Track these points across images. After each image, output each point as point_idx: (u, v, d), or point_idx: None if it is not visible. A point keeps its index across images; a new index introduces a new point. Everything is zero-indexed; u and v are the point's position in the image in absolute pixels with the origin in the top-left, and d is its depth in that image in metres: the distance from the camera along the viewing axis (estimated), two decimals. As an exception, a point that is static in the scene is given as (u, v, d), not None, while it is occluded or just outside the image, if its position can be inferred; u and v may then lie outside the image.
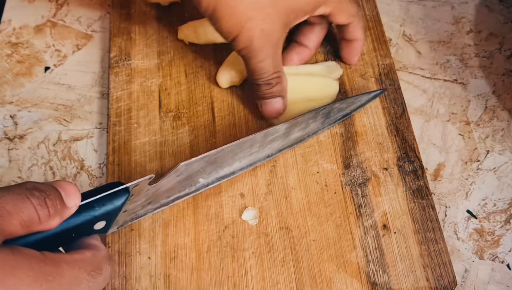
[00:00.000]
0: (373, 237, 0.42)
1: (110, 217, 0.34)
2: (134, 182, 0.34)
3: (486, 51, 0.53)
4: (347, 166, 0.45)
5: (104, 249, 0.32)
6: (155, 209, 0.39)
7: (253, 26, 0.41)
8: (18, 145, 0.50)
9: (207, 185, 0.42)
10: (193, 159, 0.37)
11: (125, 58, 0.51)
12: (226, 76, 0.48)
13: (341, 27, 0.47)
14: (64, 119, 0.51)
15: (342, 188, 0.44)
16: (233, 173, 0.43)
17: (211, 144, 0.47)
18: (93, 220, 0.33)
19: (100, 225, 0.34)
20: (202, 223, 0.43)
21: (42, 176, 0.48)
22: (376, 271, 0.41)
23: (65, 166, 0.48)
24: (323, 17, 0.45)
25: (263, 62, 0.42)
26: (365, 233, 0.42)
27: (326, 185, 0.44)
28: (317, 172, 0.45)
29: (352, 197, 0.44)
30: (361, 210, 0.43)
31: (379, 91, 0.47)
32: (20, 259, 0.26)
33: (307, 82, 0.47)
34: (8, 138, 0.50)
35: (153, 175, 0.35)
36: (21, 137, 0.50)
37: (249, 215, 0.43)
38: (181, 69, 0.51)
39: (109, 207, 0.33)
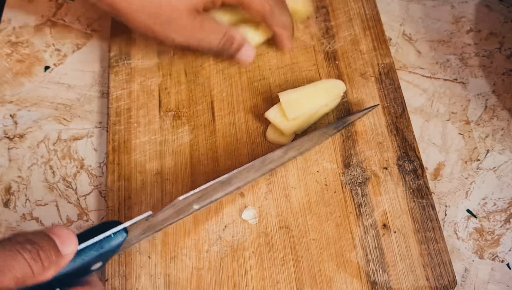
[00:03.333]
0: (373, 236, 0.42)
1: (107, 257, 0.33)
2: (132, 221, 0.33)
3: (486, 50, 0.53)
4: (347, 165, 0.45)
5: (100, 285, 0.32)
6: (148, 236, 0.38)
7: (163, 30, 0.44)
8: (18, 145, 0.50)
9: (200, 208, 0.41)
10: (191, 192, 0.36)
11: (125, 58, 0.51)
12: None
13: (260, 16, 0.47)
14: (64, 119, 0.51)
15: (342, 188, 0.44)
16: (226, 194, 0.42)
17: (211, 143, 0.47)
18: (90, 263, 0.32)
19: (97, 265, 0.33)
20: (202, 223, 0.43)
21: (42, 175, 0.48)
22: (376, 270, 0.41)
23: (65, 165, 0.48)
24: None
25: (203, 44, 0.45)
26: (365, 232, 0.42)
27: (326, 185, 0.44)
28: (317, 172, 0.45)
29: (352, 197, 0.44)
30: (361, 209, 0.43)
31: (371, 108, 0.47)
32: None
33: (317, 91, 0.47)
34: (8, 138, 0.50)
35: (150, 213, 0.34)
36: (21, 136, 0.50)
37: (249, 215, 0.43)
38: (181, 68, 0.51)
39: (107, 249, 0.32)
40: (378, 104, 0.48)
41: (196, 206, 0.40)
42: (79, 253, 0.31)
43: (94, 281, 0.32)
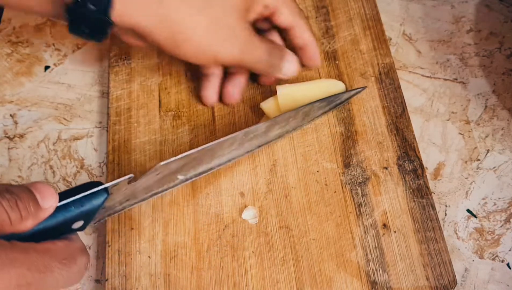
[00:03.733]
0: (373, 236, 0.42)
1: (88, 216, 0.33)
2: (113, 182, 0.34)
3: (486, 50, 0.53)
4: (347, 165, 0.45)
5: (79, 241, 0.32)
6: (133, 204, 0.39)
7: (214, 51, 0.41)
8: (18, 144, 0.50)
9: (186, 181, 0.41)
10: (172, 159, 0.37)
11: (125, 57, 0.51)
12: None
13: (288, 33, 0.46)
14: (64, 118, 0.51)
15: (342, 187, 0.44)
16: (211, 169, 0.42)
17: (211, 143, 0.47)
18: (71, 221, 0.32)
19: (78, 224, 0.33)
20: (202, 222, 0.43)
21: (42, 175, 0.48)
22: (376, 270, 0.41)
23: (65, 165, 0.48)
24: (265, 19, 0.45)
25: (255, 58, 0.43)
26: (365, 232, 0.42)
27: (326, 184, 0.44)
28: (317, 171, 0.45)
29: (352, 196, 0.44)
30: (361, 209, 0.43)
31: (359, 89, 0.47)
32: None
33: (314, 89, 0.47)
34: (8, 137, 0.50)
35: (132, 175, 0.35)
36: (21, 136, 0.50)
37: (249, 214, 0.43)
38: (181, 68, 0.51)
39: (87, 207, 0.33)
40: (366, 87, 0.48)
41: (180, 177, 0.40)
42: (59, 209, 0.31)
43: (74, 238, 0.32)
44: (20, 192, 0.29)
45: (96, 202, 0.33)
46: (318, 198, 0.44)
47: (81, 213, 0.33)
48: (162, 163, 0.36)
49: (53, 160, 0.49)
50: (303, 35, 0.45)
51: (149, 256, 0.42)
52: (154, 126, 0.48)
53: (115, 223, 0.43)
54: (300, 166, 0.45)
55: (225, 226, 0.43)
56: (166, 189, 0.40)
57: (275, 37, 0.47)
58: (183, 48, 0.41)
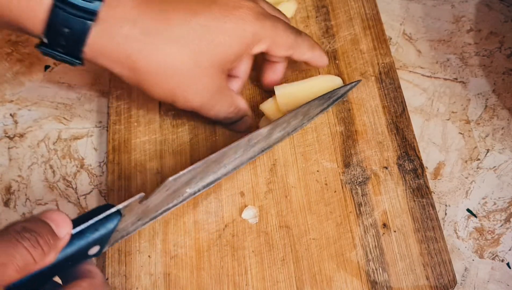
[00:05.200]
0: (373, 235, 0.42)
1: (103, 240, 0.33)
2: (124, 203, 0.33)
3: (486, 50, 0.53)
4: (347, 164, 0.45)
5: (100, 275, 0.32)
6: (144, 224, 0.39)
7: (183, 91, 0.40)
8: (18, 144, 0.50)
9: (194, 194, 0.41)
10: (180, 173, 0.36)
11: (125, 57, 0.51)
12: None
13: (289, 57, 0.45)
14: (64, 118, 0.51)
15: (342, 187, 0.44)
16: (218, 179, 0.42)
17: (211, 142, 0.47)
18: (87, 247, 0.32)
19: (94, 250, 0.33)
20: (202, 222, 0.43)
21: (42, 175, 0.48)
22: (376, 269, 0.41)
23: (65, 164, 0.48)
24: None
25: (212, 111, 0.43)
26: (365, 231, 0.42)
27: (326, 184, 0.44)
28: (317, 171, 0.45)
29: (352, 196, 0.44)
30: (361, 208, 0.43)
31: (354, 83, 0.47)
32: None
33: (312, 86, 0.47)
34: (8, 137, 0.50)
35: (143, 194, 0.34)
36: (21, 135, 0.50)
37: (249, 214, 0.43)
38: (181, 67, 0.51)
39: (102, 231, 0.33)
40: (361, 80, 0.48)
41: (189, 190, 0.40)
42: (74, 237, 0.31)
43: (94, 272, 0.32)
44: (37, 228, 0.29)
45: (110, 225, 0.33)
46: (318, 197, 0.44)
47: (97, 238, 0.32)
48: (171, 178, 0.36)
49: (53, 159, 0.49)
50: (303, 56, 0.45)
51: (149, 256, 0.42)
52: (154, 126, 0.48)
53: (115, 222, 0.43)
54: (300, 166, 0.45)
55: (225, 226, 0.43)
56: (176, 205, 0.40)
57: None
58: (150, 91, 0.41)
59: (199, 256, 0.42)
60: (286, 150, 0.46)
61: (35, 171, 0.48)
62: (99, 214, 0.32)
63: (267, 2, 0.45)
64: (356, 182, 0.44)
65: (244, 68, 0.45)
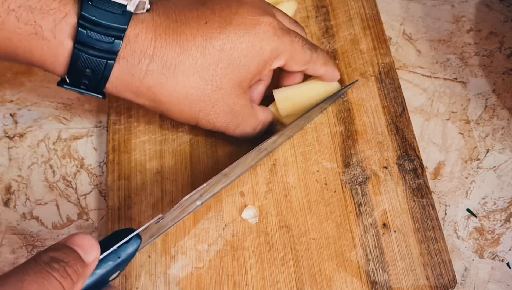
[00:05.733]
0: (373, 235, 0.42)
1: (123, 265, 0.33)
2: (144, 227, 0.33)
3: (486, 50, 0.53)
4: (347, 164, 0.45)
5: None
6: (154, 238, 0.39)
7: (206, 115, 0.41)
8: (18, 144, 0.50)
9: (202, 204, 0.42)
10: (193, 192, 0.37)
11: (125, 57, 0.51)
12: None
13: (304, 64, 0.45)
14: (64, 118, 0.51)
15: (342, 187, 0.44)
16: (224, 187, 0.43)
17: (211, 142, 0.47)
18: (109, 274, 0.32)
19: (114, 275, 0.33)
20: (202, 222, 0.43)
21: (42, 175, 0.48)
22: (376, 269, 0.41)
23: (65, 164, 0.48)
24: None
25: (237, 130, 0.43)
26: (365, 231, 0.42)
27: (326, 184, 0.44)
28: (317, 171, 0.45)
29: (352, 196, 0.44)
30: (361, 208, 0.43)
31: (351, 85, 0.48)
32: None
33: (310, 90, 0.47)
34: (8, 137, 0.50)
35: (161, 215, 0.35)
36: (21, 135, 0.50)
37: (249, 214, 0.43)
38: (181, 67, 0.51)
39: (123, 257, 0.32)
40: (357, 80, 0.48)
41: (198, 202, 0.41)
42: (99, 267, 0.31)
43: None
44: (65, 257, 0.29)
45: (131, 249, 0.33)
46: (318, 197, 0.44)
47: (118, 264, 0.32)
48: (186, 197, 0.36)
49: (53, 159, 0.49)
50: (317, 72, 0.45)
51: (149, 256, 0.42)
52: (154, 126, 0.48)
53: (115, 223, 0.43)
54: (300, 166, 0.45)
55: (225, 226, 0.43)
56: (184, 217, 0.41)
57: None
58: (174, 118, 0.42)
59: (199, 256, 0.42)
60: (286, 150, 0.46)
61: (35, 171, 0.48)
62: (118, 238, 0.32)
63: (286, 15, 0.45)
64: (356, 182, 0.44)
65: (266, 72, 0.45)
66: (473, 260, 0.44)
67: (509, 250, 0.44)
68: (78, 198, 0.47)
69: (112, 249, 0.31)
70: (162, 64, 0.38)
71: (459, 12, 0.56)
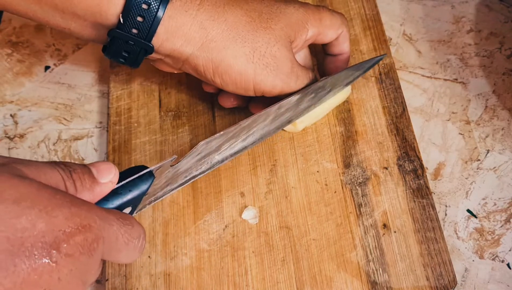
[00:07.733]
0: (373, 236, 0.42)
1: (135, 202, 0.33)
2: (157, 165, 0.34)
3: (487, 50, 0.53)
4: (347, 165, 0.45)
5: (137, 227, 0.32)
6: (173, 189, 0.39)
7: (258, 81, 0.41)
8: (18, 144, 0.50)
9: (222, 161, 0.41)
10: (213, 137, 0.37)
11: (125, 57, 0.51)
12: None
13: (329, 44, 0.46)
14: (64, 118, 0.51)
15: (342, 187, 0.44)
16: (245, 147, 0.42)
17: (211, 143, 0.47)
18: (121, 206, 0.32)
19: (126, 211, 0.33)
20: (202, 222, 0.43)
21: (42, 175, 0.48)
22: (376, 270, 0.41)
23: (65, 165, 0.48)
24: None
25: (294, 84, 0.42)
26: (365, 232, 0.42)
27: (326, 185, 0.44)
28: (317, 171, 0.45)
29: (352, 196, 0.44)
30: (361, 209, 0.43)
31: (380, 57, 0.47)
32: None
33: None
34: (9, 137, 0.50)
35: (175, 157, 0.35)
36: (22, 136, 0.50)
37: (249, 214, 0.43)
38: (181, 68, 0.51)
39: (136, 192, 0.33)
40: (385, 54, 0.48)
41: (217, 157, 0.41)
42: (109, 195, 0.31)
43: (134, 222, 0.31)
44: (74, 166, 0.30)
45: (144, 186, 0.33)
46: (318, 198, 0.44)
47: (131, 199, 0.32)
48: (203, 141, 0.37)
49: (53, 160, 0.49)
50: (342, 45, 0.46)
51: (149, 256, 0.42)
52: (154, 126, 0.48)
53: (115, 223, 0.43)
54: (300, 166, 0.45)
55: (225, 226, 0.43)
56: (203, 172, 0.40)
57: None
58: (223, 76, 0.41)
59: (199, 256, 0.42)
60: (286, 150, 0.46)
61: (35, 171, 0.48)
62: (132, 174, 0.33)
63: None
64: (356, 183, 0.44)
65: (303, 56, 0.46)
66: (473, 260, 0.44)
67: (509, 250, 0.44)
68: (78, 198, 0.47)
69: (123, 181, 0.32)
70: (213, 3, 0.39)
71: (459, 12, 0.56)
